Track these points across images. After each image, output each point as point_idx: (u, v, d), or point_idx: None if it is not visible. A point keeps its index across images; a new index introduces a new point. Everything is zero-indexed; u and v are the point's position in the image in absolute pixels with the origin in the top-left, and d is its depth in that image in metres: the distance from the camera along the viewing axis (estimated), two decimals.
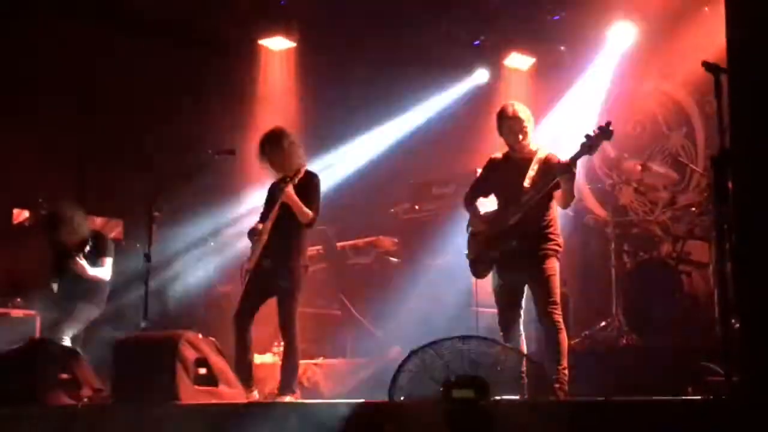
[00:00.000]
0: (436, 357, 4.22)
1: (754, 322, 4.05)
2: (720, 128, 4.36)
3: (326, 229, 8.85)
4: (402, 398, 4.24)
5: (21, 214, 9.05)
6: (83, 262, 7.61)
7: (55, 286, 7.89)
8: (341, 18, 9.70)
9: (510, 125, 6.30)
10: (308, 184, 6.67)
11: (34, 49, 9.24)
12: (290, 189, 6.57)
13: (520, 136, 6.28)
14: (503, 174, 6.35)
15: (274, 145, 6.78)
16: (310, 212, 6.61)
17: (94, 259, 7.77)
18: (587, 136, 6.09)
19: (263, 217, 6.77)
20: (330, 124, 10.19)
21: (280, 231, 6.62)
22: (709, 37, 8.03)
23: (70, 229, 7.78)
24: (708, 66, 4.52)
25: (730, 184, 4.28)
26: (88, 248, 7.78)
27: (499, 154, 6.48)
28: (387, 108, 10.23)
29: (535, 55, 10.23)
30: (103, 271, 7.77)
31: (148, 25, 9.60)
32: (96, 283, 7.79)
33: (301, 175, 6.63)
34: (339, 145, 10.25)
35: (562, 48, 9.96)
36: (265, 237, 6.61)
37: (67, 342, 7.49)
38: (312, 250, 8.53)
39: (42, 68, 9.35)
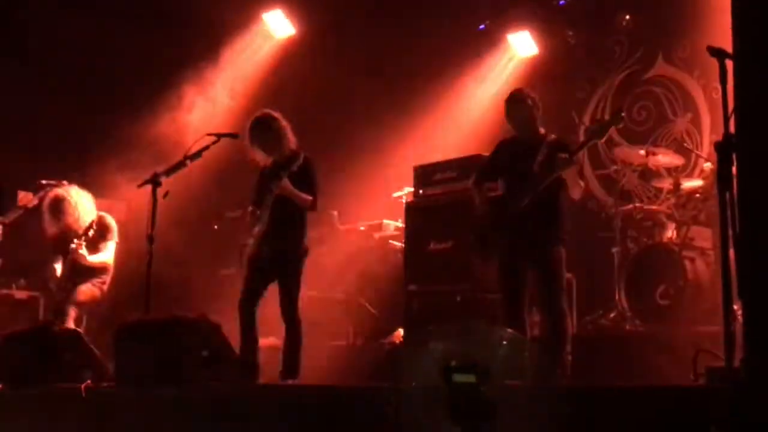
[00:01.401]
0: (438, 341, 4.21)
1: (757, 309, 4.05)
2: (725, 114, 4.34)
3: (331, 212, 8.85)
4: (403, 382, 4.24)
5: (25, 197, 9.04)
6: (83, 251, 7.61)
7: (58, 268, 7.90)
8: (344, 3, 9.69)
9: (517, 110, 6.29)
10: (305, 170, 6.64)
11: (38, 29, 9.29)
12: (286, 182, 6.54)
13: (528, 121, 6.28)
14: (512, 158, 6.35)
15: (263, 129, 6.77)
16: (309, 197, 6.61)
17: (97, 242, 7.78)
18: (597, 121, 6.11)
19: (256, 202, 6.75)
20: (333, 107, 10.18)
21: (280, 216, 6.61)
22: (715, 20, 8.05)
23: (75, 212, 7.79)
24: (713, 51, 4.49)
25: (734, 170, 4.27)
26: (91, 232, 7.78)
27: (507, 139, 6.47)
28: (390, 92, 10.20)
29: (541, 40, 10.18)
30: (105, 255, 7.78)
31: (152, 11, 9.60)
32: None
33: (299, 161, 6.59)
34: (342, 129, 10.24)
35: (570, 33, 9.91)
36: (264, 223, 6.61)
37: (70, 324, 7.50)
38: (315, 234, 8.53)
39: (48, 48, 9.35)
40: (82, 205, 7.89)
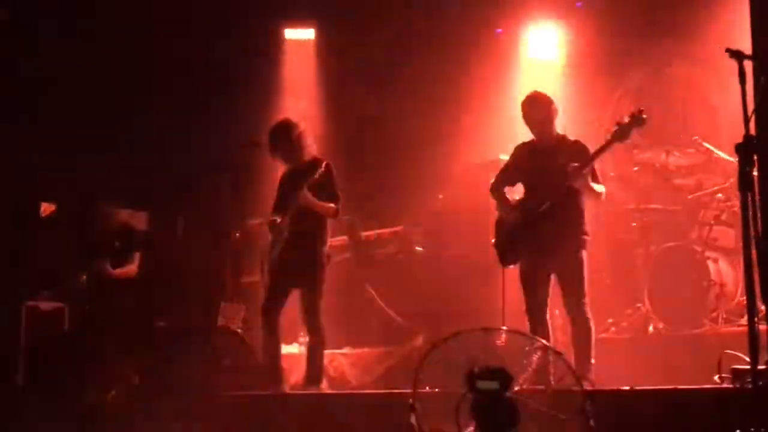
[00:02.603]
0: (460, 348, 4.21)
1: None
2: (744, 115, 4.32)
3: (352, 218, 8.86)
4: (426, 389, 4.24)
5: (48, 208, 9.11)
6: (107, 266, 7.66)
7: (84, 278, 7.95)
8: (359, 5, 9.71)
9: (535, 112, 6.28)
10: (327, 178, 6.65)
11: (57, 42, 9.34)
12: (306, 193, 6.54)
13: (546, 124, 6.27)
14: (530, 162, 6.34)
15: (282, 137, 6.80)
16: (333, 206, 6.63)
17: (124, 252, 7.83)
18: (618, 124, 6.09)
19: (277, 209, 6.77)
20: (353, 113, 10.18)
21: (301, 223, 6.63)
22: (733, 21, 8.00)
23: (101, 222, 7.85)
24: (732, 52, 4.47)
25: (755, 171, 4.25)
26: (117, 243, 7.84)
27: (525, 142, 6.46)
28: (411, 96, 10.19)
29: (559, 41, 10.14)
30: (131, 267, 7.82)
31: (172, 17, 9.64)
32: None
33: (321, 169, 6.60)
34: (361, 135, 10.25)
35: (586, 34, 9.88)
36: (285, 231, 6.63)
37: (98, 333, 7.56)
38: (337, 240, 8.54)
39: (61, 61, 9.41)
40: (109, 216, 7.96)
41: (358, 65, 10.21)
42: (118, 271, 7.73)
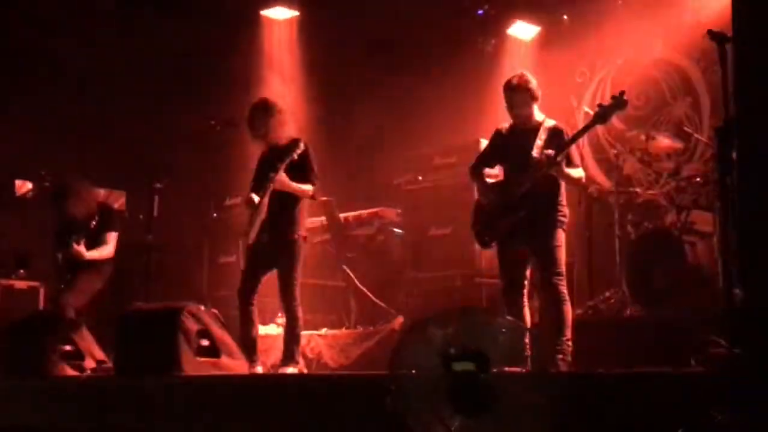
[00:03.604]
0: (438, 329, 4.18)
1: (757, 293, 4.03)
2: (724, 98, 4.32)
3: (330, 200, 8.84)
4: (403, 371, 4.22)
5: (23, 186, 9.03)
6: (81, 247, 7.57)
7: (59, 257, 7.88)
8: None
9: (516, 95, 6.26)
10: (305, 158, 6.60)
11: (36, 21, 9.22)
12: (282, 176, 6.50)
13: (526, 107, 6.25)
14: (510, 144, 6.33)
15: (262, 116, 6.74)
16: (309, 189, 6.59)
17: (101, 233, 7.75)
18: (600, 106, 6.08)
19: (254, 189, 6.73)
20: (333, 93, 10.14)
21: (278, 203, 6.58)
22: (714, 3, 8.00)
23: (78, 201, 7.76)
24: (713, 35, 4.46)
25: (734, 155, 4.25)
26: (94, 222, 7.76)
27: (505, 125, 6.45)
28: (389, 78, 10.16)
29: (539, 25, 10.13)
30: (107, 248, 7.74)
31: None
32: None
33: (299, 149, 6.55)
34: (342, 115, 10.21)
35: (565, 17, 9.87)
36: (263, 212, 6.59)
37: (71, 313, 7.49)
38: (315, 221, 8.51)
39: (40, 41, 9.31)
40: (84, 193, 7.86)
41: (339, 45, 10.16)
42: (93, 254, 7.64)
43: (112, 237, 7.80)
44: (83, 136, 9.58)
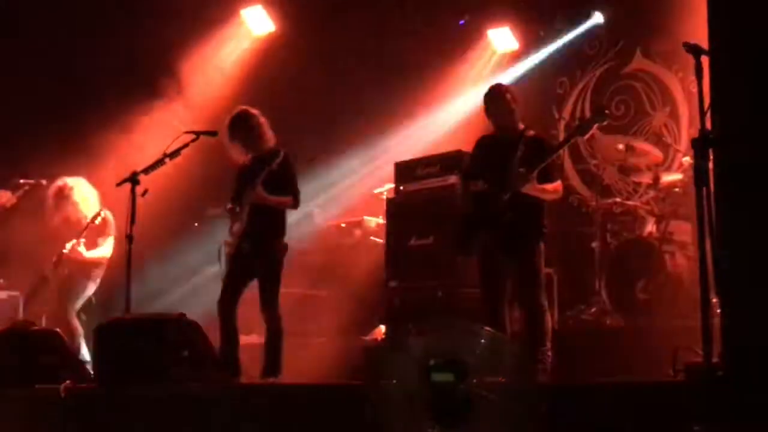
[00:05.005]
0: (418, 338, 4.20)
1: (734, 303, 4.06)
2: (701, 110, 4.36)
3: (311, 209, 8.85)
4: (383, 380, 4.23)
5: (2, 195, 8.97)
6: (81, 248, 7.59)
7: (54, 260, 7.90)
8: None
9: (496, 105, 6.29)
10: (285, 168, 6.60)
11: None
12: (260, 191, 6.51)
13: (507, 116, 6.28)
14: (491, 154, 6.35)
15: (242, 126, 6.75)
16: (289, 200, 6.60)
17: (96, 237, 7.78)
18: (580, 119, 6.12)
19: (235, 199, 6.73)
20: (314, 104, 10.15)
21: (258, 213, 6.58)
22: (694, 15, 8.06)
23: (80, 204, 7.81)
24: (689, 47, 4.50)
25: (710, 166, 4.29)
26: (97, 222, 7.80)
27: (487, 135, 6.48)
28: (371, 89, 10.18)
29: (521, 36, 10.18)
30: (103, 250, 7.78)
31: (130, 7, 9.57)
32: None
33: (279, 159, 6.55)
34: (323, 126, 10.22)
35: (542, 33, 9.94)
36: (243, 221, 6.59)
37: (73, 317, 7.53)
38: (295, 230, 8.50)
39: (22, 45, 9.31)
40: (86, 198, 7.92)
41: (322, 55, 10.18)
42: (91, 254, 7.68)
43: (109, 241, 7.89)
44: (60, 144, 9.52)
